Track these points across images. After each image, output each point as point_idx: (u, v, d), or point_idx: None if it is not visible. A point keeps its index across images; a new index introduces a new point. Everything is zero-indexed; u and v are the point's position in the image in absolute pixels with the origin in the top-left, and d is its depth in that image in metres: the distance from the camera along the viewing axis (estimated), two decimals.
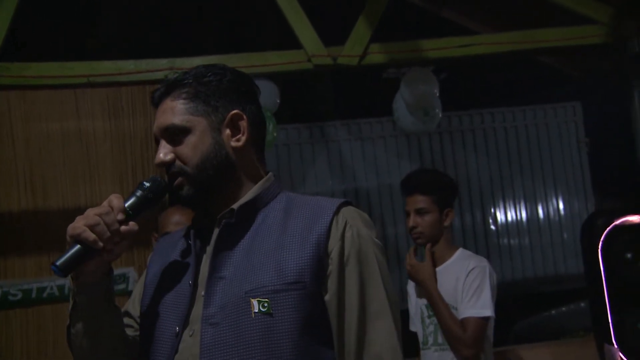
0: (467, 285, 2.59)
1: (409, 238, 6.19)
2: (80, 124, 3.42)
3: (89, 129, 3.43)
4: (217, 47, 3.86)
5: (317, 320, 1.31)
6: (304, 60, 3.56)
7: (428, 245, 2.71)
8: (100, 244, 1.27)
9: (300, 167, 6.29)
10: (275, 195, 1.45)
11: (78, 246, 1.28)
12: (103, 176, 3.39)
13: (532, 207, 6.63)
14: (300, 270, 1.30)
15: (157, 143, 1.43)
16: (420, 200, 2.71)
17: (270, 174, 1.49)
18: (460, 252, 2.77)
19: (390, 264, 6.03)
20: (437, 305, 2.58)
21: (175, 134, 1.39)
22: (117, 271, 3.24)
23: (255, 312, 1.28)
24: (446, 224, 2.75)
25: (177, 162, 1.39)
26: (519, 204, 6.63)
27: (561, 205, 6.59)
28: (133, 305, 1.53)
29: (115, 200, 1.32)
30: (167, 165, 1.39)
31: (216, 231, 1.40)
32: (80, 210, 1.32)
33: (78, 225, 1.28)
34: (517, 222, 6.61)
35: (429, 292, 2.62)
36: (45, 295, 3.26)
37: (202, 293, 1.34)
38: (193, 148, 1.38)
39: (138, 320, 1.49)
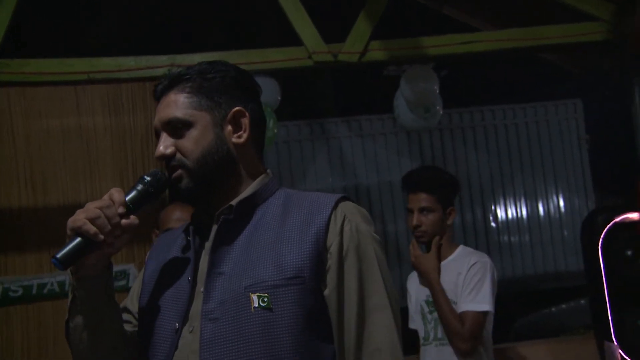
0: (467, 279, 2.60)
1: (409, 235, 6.19)
2: (80, 120, 3.42)
3: (89, 125, 3.43)
4: (218, 43, 3.86)
5: (317, 315, 1.32)
6: (304, 57, 3.56)
7: (436, 238, 2.71)
8: (101, 236, 1.27)
9: (300, 164, 6.29)
10: (273, 192, 1.46)
11: (78, 239, 1.28)
12: (103, 172, 3.40)
13: (532, 204, 6.63)
14: (300, 265, 1.31)
15: (157, 136, 1.43)
16: (424, 199, 2.71)
17: (268, 170, 1.50)
18: (461, 249, 2.78)
19: (391, 261, 6.03)
20: (437, 298, 2.59)
21: (178, 128, 1.39)
22: (117, 267, 3.25)
23: (255, 307, 1.28)
24: (449, 222, 2.75)
25: (178, 156, 1.39)
26: (520, 201, 6.64)
27: (561, 203, 6.59)
28: (131, 301, 1.53)
29: (116, 193, 1.32)
30: (167, 158, 1.39)
31: (214, 227, 1.40)
32: (81, 207, 1.31)
33: (79, 218, 1.27)
34: (518, 220, 6.62)
35: (431, 283, 2.62)
36: (45, 291, 3.26)
37: (202, 289, 1.34)
38: (195, 142, 1.39)
39: (137, 316, 1.49)
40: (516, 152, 6.64)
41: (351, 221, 1.37)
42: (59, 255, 1.27)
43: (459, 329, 2.52)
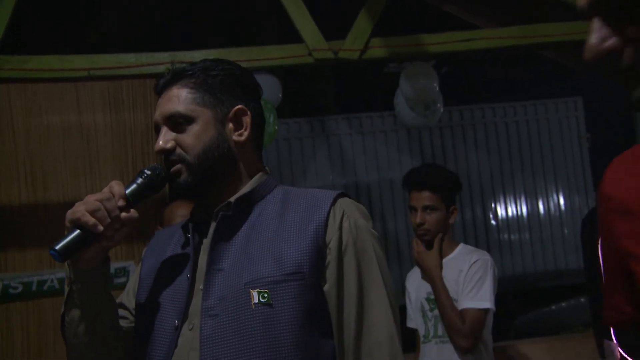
0: (468, 277, 2.60)
1: (409, 232, 6.20)
2: (80, 117, 3.42)
3: (89, 122, 3.43)
4: (219, 40, 3.86)
5: (317, 311, 1.32)
6: (304, 54, 3.55)
7: (439, 235, 2.71)
8: (101, 227, 1.26)
9: (301, 161, 6.29)
10: (271, 189, 1.46)
11: (77, 231, 1.27)
12: (103, 169, 3.40)
13: (532, 202, 6.63)
14: (299, 261, 1.31)
15: (157, 131, 1.43)
16: (428, 197, 2.70)
17: (266, 168, 1.51)
18: (461, 247, 2.78)
19: (390, 259, 6.04)
20: (439, 295, 2.59)
21: (179, 122, 1.39)
22: (117, 264, 3.26)
23: (255, 303, 1.28)
24: (451, 221, 2.75)
25: (178, 150, 1.39)
26: (520, 199, 6.64)
27: (562, 201, 6.60)
28: (127, 297, 1.53)
29: (116, 186, 1.32)
30: (167, 153, 1.39)
31: (213, 224, 1.40)
32: None
33: (78, 210, 1.27)
34: (518, 217, 6.62)
35: (433, 280, 2.62)
36: (45, 288, 3.26)
37: (201, 286, 1.34)
38: (196, 137, 1.39)
39: (133, 312, 1.49)
40: (516, 150, 6.65)
41: (350, 217, 1.37)
42: (57, 247, 1.26)
43: (460, 326, 2.52)
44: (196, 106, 1.40)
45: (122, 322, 1.46)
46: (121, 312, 1.49)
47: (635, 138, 3.76)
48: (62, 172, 3.37)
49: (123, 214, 1.30)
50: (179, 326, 1.33)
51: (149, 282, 1.46)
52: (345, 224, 1.36)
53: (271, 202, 1.43)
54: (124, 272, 3.31)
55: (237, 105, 1.44)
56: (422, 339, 2.73)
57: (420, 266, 2.74)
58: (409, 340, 2.67)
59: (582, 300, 6.01)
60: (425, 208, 2.70)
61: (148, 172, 1.37)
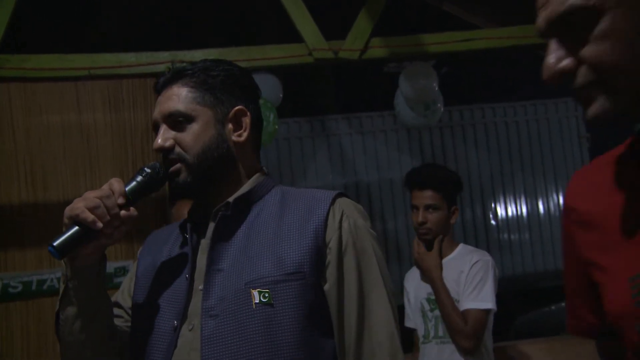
0: (470, 277, 2.60)
1: (409, 232, 6.20)
2: (80, 116, 3.42)
3: (89, 121, 3.43)
4: (219, 40, 3.86)
5: (317, 310, 1.32)
6: (305, 54, 3.56)
7: (439, 237, 2.71)
8: (100, 225, 1.25)
9: (301, 161, 6.29)
10: (269, 189, 1.46)
11: (76, 228, 1.26)
12: (103, 169, 3.40)
13: (532, 202, 6.64)
14: (300, 260, 1.31)
15: (156, 130, 1.42)
16: (431, 196, 2.70)
17: (264, 168, 1.51)
18: (461, 247, 2.78)
19: (390, 259, 6.04)
20: (440, 295, 2.58)
21: (179, 121, 1.39)
22: (117, 264, 3.26)
23: (256, 303, 1.28)
24: (452, 221, 2.75)
25: (177, 149, 1.38)
26: (520, 199, 6.64)
27: (561, 201, 6.59)
28: (122, 296, 1.52)
29: (116, 183, 1.31)
30: (165, 151, 1.39)
31: (212, 225, 1.40)
32: None
33: (77, 206, 1.26)
34: (518, 217, 6.62)
35: (434, 281, 2.62)
36: (45, 287, 3.26)
37: (200, 287, 1.34)
38: (195, 137, 1.38)
39: (129, 312, 1.48)
40: (516, 150, 6.65)
41: (349, 217, 1.38)
42: (55, 243, 1.25)
43: (462, 326, 2.52)
44: (196, 105, 1.40)
45: (117, 321, 1.45)
46: (116, 311, 1.48)
47: None
48: (62, 172, 3.36)
49: (122, 212, 1.29)
50: (178, 327, 1.33)
51: (146, 282, 1.45)
52: (345, 224, 1.36)
53: (269, 203, 1.42)
54: (124, 271, 3.30)
55: (237, 105, 1.44)
56: (421, 339, 2.73)
57: (420, 267, 2.74)
58: (407, 340, 2.67)
59: None
60: (427, 207, 2.70)
61: (148, 171, 1.36)
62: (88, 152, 3.40)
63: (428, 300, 2.71)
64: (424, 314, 2.72)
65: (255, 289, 1.28)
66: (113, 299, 1.50)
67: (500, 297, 2.63)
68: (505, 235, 6.58)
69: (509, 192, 6.62)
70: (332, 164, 6.34)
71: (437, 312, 2.64)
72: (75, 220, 1.26)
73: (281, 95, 4.02)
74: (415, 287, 2.80)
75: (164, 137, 1.39)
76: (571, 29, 0.89)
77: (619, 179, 1.02)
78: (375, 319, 1.35)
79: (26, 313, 3.27)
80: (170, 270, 1.42)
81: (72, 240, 1.26)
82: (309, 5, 3.56)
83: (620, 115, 0.90)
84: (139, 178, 1.35)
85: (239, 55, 3.45)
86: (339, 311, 1.34)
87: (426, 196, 2.70)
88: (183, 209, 2.57)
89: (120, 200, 1.29)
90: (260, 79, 3.67)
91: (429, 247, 2.72)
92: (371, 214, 6.20)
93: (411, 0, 4.98)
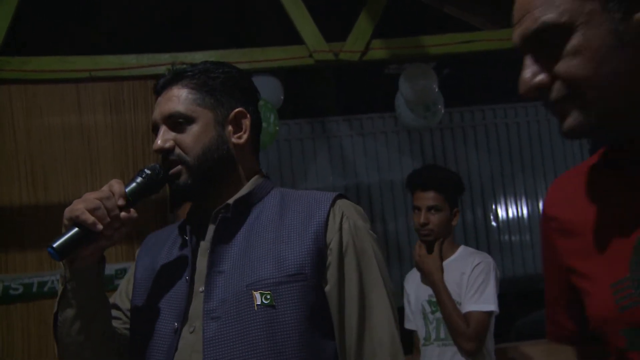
0: (472, 279, 2.59)
1: (410, 233, 6.21)
2: (81, 118, 3.42)
3: (90, 123, 3.43)
4: (219, 42, 3.86)
5: (318, 312, 1.32)
6: (305, 55, 3.56)
7: (439, 240, 2.70)
8: (100, 226, 1.25)
9: (301, 162, 6.30)
10: (268, 191, 1.46)
11: (76, 229, 1.25)
12: (104, 170, 3.40)
13: (533, 203, 6.63)
14: (301, 262, 1.31)
15: (155, 131, 1.42)
16: (433, 197, 2.70)
17: (262, 171, 1.51)
18: (462, 249, 2.78)
19: (391, 260, 6.04)
20: (442, 298, 2.58)
21: (179, 122, 1.39)
22: (117, 265, 3.25)
23: (257, 305, 1.27)
24: (454, 223, 2.75)
25: (177, 150, 1.38)
26: (520, 200, 6.64)
27: None
28: (120, 298, 1.52)
29: (116, 185, 1.31)
30: (165, 152, 1.38)
31: (211, 227, 1.40)
32: None
33: (77, 208, 1.25)
34: (518, 219, 6.62)
35: (435, 283, 2.62)
36: (46, 289, 3.26)
37: (201, 289, 1.34)
38: (196, 138, 1.38)
39: (127, 313, 1.48)
40: (517, 151, 6.65)
41: (349, 218, 1.38)
42: (55, 245, 1.24)
43: (464, 329, 2.51)
44: (197, 107, 1.40)
45: (115, 323, 1.45)
46: (114, 313, 1.47)
47: None
48: (62, 173, 3.37)
49: (123, 214, 1.29)
50: (179, 329, 1.32)
51: (145, 284, 1.45)
52: (345, 225, 1.36)
53: (269, 204, 1.42)
54: (125, 273, 3.30)
55: (237, 108, 1.44)
56: (422, 341, 2.73)
57: (420, 270, 2.74)
58: (407, 341, 2.67)
59: None
60: (429, 208, 2.70)
61: (148, 172, 1.36)
62: (89, 153, 3.40)
63: (429, 302, 2.70)
64: (425, 316, 2.72)
65: (256, 291, 1.28)
66: (110, 300, 1.49)
67: (501, 298, 2.63)
68: (506, 237, 6.58)
69: (510, 193, 6.62)
70: (333, 166, 6.34)
71: (438, 314, 2.64)
72: (75, 221, 1.26)
73: (282, 97, 4.02)
74: (415, 288, 2.80)
75: (164, 138, 1.39)
76: (545, 45, 0.92)
77: (596, 188, 1.05)
78: (376, 319, 1.35)
79: (27, 315, 3.27)
80: (169, 273, 1.41)
81: (72, 242, 1.25)
82: (310, 6, 3.56)
83: (595, 128, 0.93)
84: (139, 179, 1.35)
85: (240, 57, 3.45)
86: (339, 312, 1.34)
87: (429, 197, 2.70)
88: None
89: (121, 202, 1.29)
90: (261, 81, 3.69)
91: (430, 249, 2.72)
92: (372, 216, 6.21)
93: (412, 1, 4.98)
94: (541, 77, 0.93)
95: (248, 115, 1.45)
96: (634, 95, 0.90)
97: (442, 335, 2.63)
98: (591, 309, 1.01)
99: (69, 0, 5.34)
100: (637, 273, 0.93)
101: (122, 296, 1.52)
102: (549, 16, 0.90)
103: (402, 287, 2.92)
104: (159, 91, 1.45)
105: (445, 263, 2.69)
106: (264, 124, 3.71)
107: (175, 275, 1.39)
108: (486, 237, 6.54)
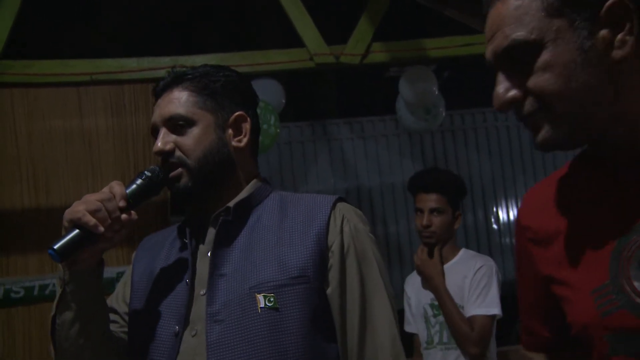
0: (474, 283, 2.58)
1: (411, 236, 6.20)
2: (82, 121, 3.42)
3: (91, 126, 3.43)
4: (220, 45, 3.87)
5: (321, 314, 1.32)
6: (306, 58, 3.56)
7: (438, 245, 2.70)
8: (101, 228, 1.24)
9: (302, 165, 6.30)
10: (268, 194, 1.46)
11: (77, 231, 1.24)
12: (105, 174, 3.40)
13: None
14: (303, 264, 1.31)
15: (154, 133, 1.42)
16: (436, 200, 2.69)
17: (261, 175, 1.51)
18: (463, 252, 2.77)
19: (392, 263, 6.04)
20: (444, 302, 2.57)
21: (179, 125, 1.39)
22: (117, 269, 3.25)
23: (261, 307, 1.27)
24: (456, 226, 2.74)
25: (178, 153, 1.38)
26: (521, 202, 6.63)
27: None
28: (117, 302, 1.51)
29: (117, 186, 1.30)
30: (165, 155, 1.38)
31: (211, 230, 1.39)
32: None
33: (78, 209, 1.25)
34: None
35: (437, 287, 2.60)
36: (47, 292, 3.26)
37: (202, 292, 1.33)
38: (196, 141, 1.38)
39: (125, 317, 1.47)
40: (518, 154, 6.65)
41: (350, 221, 1.38)
42: (56, 246, 1.24)
43: (469, 333, 2.50)
44: (198, 109, 1.40)
45: (113, 327, 1.44)
46: (111, 316, 1.46)
47: None
48: (64, 177, 3.37)
49: (124, 216, 1.28)
50: (180, 332, 1.32)
51: (143, 288, 1.44)
52: (346, 228, 1.37)
53: (269, 207, 1.42)
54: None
55: (237, 111, 1.44)
56: (424, 344, 2.72)
57: (422, 274, 2.73)
58: (406, 344, 2.66)
59: None
60: (432, 210, 2.69)
61: (148, 174, 1.35)
62: (90, 157, 3.40)
63: (431, 305, 2.69)
64: (426, 320, 2.70)
65: (260, 294, 1.28)
66: (107, 303, 1.48)
67: (502, 301, 2.63)
68: (507, 239, 6.57)
69: (511, 196, 6.62)
70: (334, 168, 6.34)
71: (440, 318, 2.63)
72: (76, 223, 1.25)
73: (283, 101, 4.03)
74: (416, 292, 2.79)
75: (164, 140, 1.38)
76: (516, 61, 0.95)
77: (569, 196, 1.07)
78: (377, 322, 1.35)
79: (28, 318, 3.27)
80: (168, 276, 1.41)
81: (72, 244, 1.25)
82: (310, 10, 3.57)
83: (566, 140, 0.96)
84: (139, 181, 1.34)
85: (241, 60, 3.45)
86: (341, 314, 1.34)
87: (431, 199, 2.69)
88: None
89: (122, 204, 1.28)
90: (262, 84, 3.69)
91: (431, 252, 2.71)
92: (373, 218, 6.20)
93: (412, 4, 4.99)
94: (514, 92, 0.96)
95: (248, 119, 1.45)
96: (601, 108, 0.93)
97: (445, 339, 2.62)
98: (573, 316, 1.03)
99: (70, 3, 5.35)
100: (616, 278, 0.95)
101: (119, 299, 1.51)
102: (519, 34, 0.93)
103: (402, 290, 2.91)
104: (158, 94, 1.45)
105: (446, 266, 2.68)
106: (264, 126, 3.71)
107: (175, 278, 1.39)
108: (487, 240, 6.53)
